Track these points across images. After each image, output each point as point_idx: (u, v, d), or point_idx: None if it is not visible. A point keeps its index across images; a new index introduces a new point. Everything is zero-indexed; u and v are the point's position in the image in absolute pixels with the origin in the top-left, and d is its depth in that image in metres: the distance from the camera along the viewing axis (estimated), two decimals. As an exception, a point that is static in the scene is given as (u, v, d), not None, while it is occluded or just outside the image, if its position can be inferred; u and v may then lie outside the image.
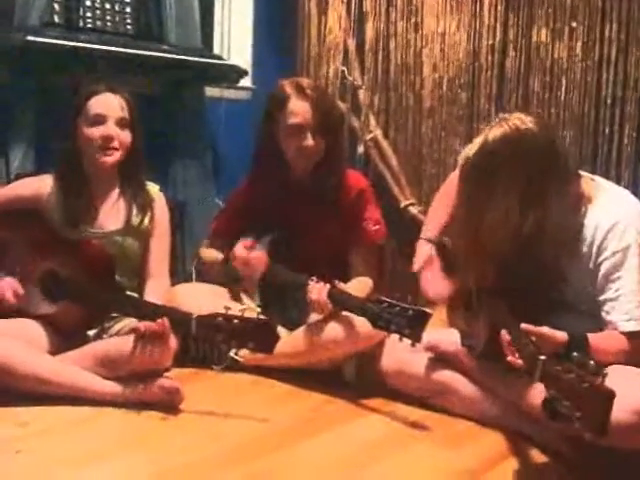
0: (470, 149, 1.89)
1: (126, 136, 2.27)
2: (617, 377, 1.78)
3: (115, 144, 2.25)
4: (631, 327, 1.86)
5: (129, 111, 2.28)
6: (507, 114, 1.92)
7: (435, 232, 2.33)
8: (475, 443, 1.94)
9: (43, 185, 2.31)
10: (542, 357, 1.56)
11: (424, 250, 2.31)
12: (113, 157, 2.26)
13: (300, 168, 2.47)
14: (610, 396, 1.33)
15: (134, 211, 2.34)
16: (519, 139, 1.83)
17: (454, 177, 2.40)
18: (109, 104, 2.26)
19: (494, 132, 1.85)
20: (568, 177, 1.90)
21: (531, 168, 1.82)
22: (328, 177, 2.45)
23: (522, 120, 1.85)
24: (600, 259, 1.89)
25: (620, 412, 1.60)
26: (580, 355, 1.46)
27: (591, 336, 1.82)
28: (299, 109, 2.38)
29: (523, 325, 1.74)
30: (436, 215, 2.37)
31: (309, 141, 2.38)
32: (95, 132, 2.24)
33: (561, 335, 1.76)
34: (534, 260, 1.91)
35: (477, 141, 1.88)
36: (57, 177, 2.31)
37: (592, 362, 1.42)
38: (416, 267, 2.30)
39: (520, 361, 1.69)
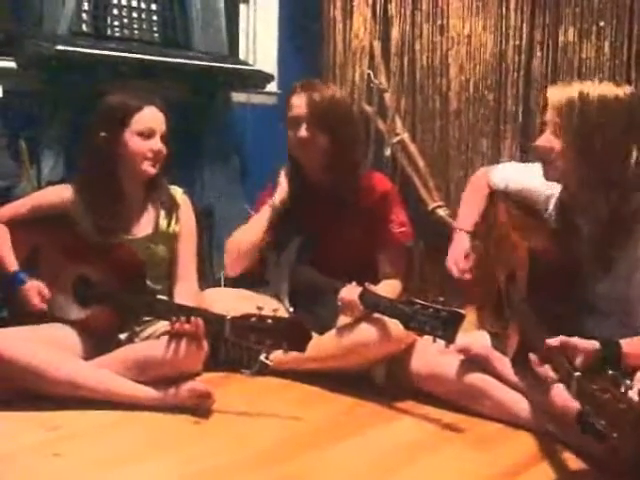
0: (566, 94, 1.91)
1: (165, 150, 2.31)
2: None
3: (161, 156, 2.30)
4: None
5: (167, 127, 2.32)
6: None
7: (469, 224, 2.33)
8: (507, 446, 1.93)
9: (67, 192, 2.32)
10: (577, 374, 1.55)
11: (463, 240, 2.32)
12: (156, 169, 2.30)
13: (305, 163, 2.49)
14: None
15: (161, 216, 2.36)
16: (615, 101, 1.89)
17: (481, 174, 2.41)
18: (157, 118, 2.30)
19: (590, 88, 1.89)
20: None
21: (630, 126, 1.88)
22: (342, 176, 2.46)
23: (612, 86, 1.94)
24: None
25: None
26: (616, 373, 1.45)
27: (624, 342, 1.80)
28: (296, 102, 2.44)
29: (555, 340, 1.72)
30: (468, 209, 2.37)
31: (303, 132, 2.41)
32: (145, 145, 2.26)
33: (591, 344, 1.74)
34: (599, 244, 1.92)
35: (572, 89, 1.91)
36: (87, 183, 2.31)
37: (628, 381, 1.41)
38: (454, 259, 2.30)
39: (551, 373, 1.68)
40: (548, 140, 1.94)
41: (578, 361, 1.68)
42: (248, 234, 2.53)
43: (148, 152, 2.27)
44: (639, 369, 1.81)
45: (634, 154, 1.87)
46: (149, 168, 2.28)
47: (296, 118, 2.44)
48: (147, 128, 2.26)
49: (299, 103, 2.43)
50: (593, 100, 1.88)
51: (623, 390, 1.39)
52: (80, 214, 2.28)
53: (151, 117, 2.29)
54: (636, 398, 1.35)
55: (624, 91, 1.91)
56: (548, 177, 2.01)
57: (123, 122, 2.26)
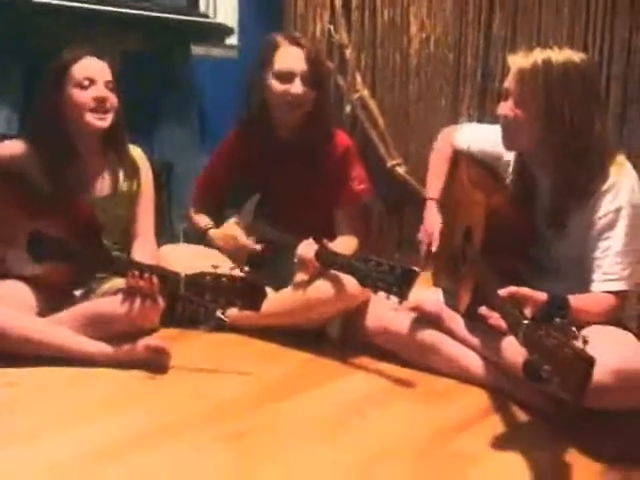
0: (528, 60, 1.91)
1: (115, 98, 2.26)
2: (596, 337, 1.82)
3: (108, 106, 2.24)
4: (615, 287, 1.89)
5: (113, 75, 2.26)
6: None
7: (438, 191, 2.36)
8: (457, 401, 1.97)
9: (19, 147, 2.27)
10: (525, 322, 1.58)
11: (433, 210, 2.34)
12: (106, 121, 2.24)
13: (286, 120, 2.44)
14: (590, 362, 1.35)
15: (121, 177, 2.33)
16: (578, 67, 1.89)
17: (445, 134, 2.42)
18: (97, 67, 2.24)
19: (553, 54, 1.89)
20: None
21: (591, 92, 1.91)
22: (317, 133, 2.45)
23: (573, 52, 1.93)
24: (593, 218, 1.91)
25: (598, 372, 1.63)
26: (562, 321, 1.49)
27: (572, 297, 1.85)
28: (290, 54, 2.38)
29: (505, 290, 1.76)
30: (435, 175, 2.39)
31: (297, 88, 2.37)
32: (85, 95, 2.21)
33: (541, 295, 1.79)
34: (535, 219, 1.95)
35: (534, 55, 1.90)
36: (38, 142, 2.26)
37: (574, 328, 1.45)
38: (426, 230, 2.33)
39: (503, 323, 1.72)
40: (511, 109, 1.94)
41: (527, 311, 1.72)
42: None
43: (90, 101, 2.21)
44: (588, 325, 1.87)
45: (596, 121, 1.89)
46: (94, 120, 2.22)
47: (289, 72, 2.37)
48: (85, 77, 2.21)
49: (295, 56, 2.37)
50: (556, 67, 1.87)
51: (569, 337, 1.42)
52: (32, 170, 2.24)
53: (89, 66, 2.23)
54: (581, 345, 1.39)
55: (581, 58, 1.91)
56: (509, 147, 2.02)
57: (62, 77, 2.21)
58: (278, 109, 2.43)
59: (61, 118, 2.23)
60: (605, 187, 1.91)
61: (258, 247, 2.41)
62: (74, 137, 2.27)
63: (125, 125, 2.33)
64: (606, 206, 1.90)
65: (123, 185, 2.34)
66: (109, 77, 2.25)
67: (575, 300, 1.85)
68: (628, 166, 1.96)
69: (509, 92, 1.95)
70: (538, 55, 1.90)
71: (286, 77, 2.38)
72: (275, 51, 2.40)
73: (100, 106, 2.22)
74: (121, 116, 2.30)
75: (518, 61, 1.93)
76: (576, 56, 1.91)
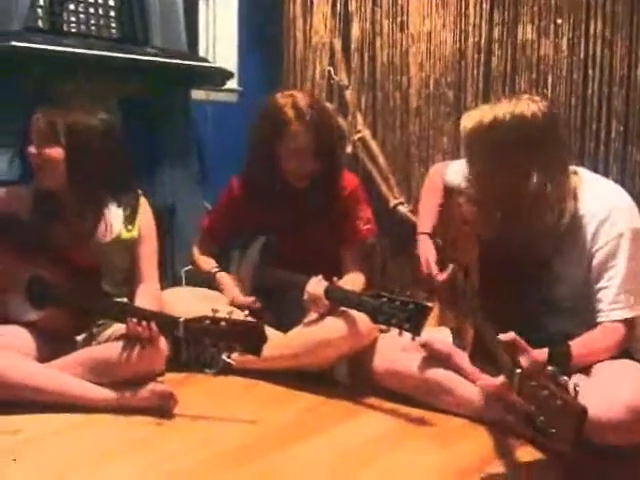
0: (471, 119, 1.90)
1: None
2: (606, 373, 1.80)
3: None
4: (623, 315, 1.86)
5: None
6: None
7: (430, 226, 2.36)
8: (469, 441, 1.94)
9: (20, 194, 2.27)
10: (518, 370, 1.57)
11: (427, 244, 2.36)
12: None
13: (297, 183, 2.47)
14: (582, 412, 1.35)
15: (120, 223, 2.32)
16: (525, 122, 1.85)
17: (435, 171, 2.44)
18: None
19: (503, 109, 1.86)
20: (566, 163, 1.94)
21: (535, 148, 1.85)
22: (324, 190, 2.47)
23: (529, 102, 1.87)
24: (593, 250, 1.89)
25: (611, 409, 1.61)
26: (553, 370, 1.48)
27: (576, 343, 1.82)
28: (300, 134, 2.36)
29: (504, 336, 1.73)
30: (427, 210, 2.39)
31: (309, 165, 2.40)
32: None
33: (540, 354, 1.75)
34: (529, 253, 1.92)
35: (480, 113, 1.89)
36: (38, 189, 2.25)
37: (565, 377, 1.45)
38: (426, 265, 2.33)
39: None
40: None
41: (522, 360, 1.69)
42: None
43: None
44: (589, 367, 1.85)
45: (534, 176, 1.84)
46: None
47: (300, 150, 2.38)
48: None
49: (303, 135, 2.36)
50: (495, 125, 1.85)
51: (560, 387, 1.42)
52: (34, 215, 2.23)
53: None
54: (572, 394, 1.39)
55: (539, 108, 1.87)
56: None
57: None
58: (287, 175, 2.44)
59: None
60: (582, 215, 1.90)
61: (253, 305, 2.40)
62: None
63: (128, 171, 2.33)
64: (603, 237, 1.88)
65: (123, 231, 2.32)
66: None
67: (578, 346, 1.82)
68: (598, 189, 1.94)
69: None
70: (480, 114, 1.89)
71: (298, 155, 2.38)
72: (286, 127, 2.37)
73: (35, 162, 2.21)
74: (122, 162, 2.29)
75: (464, 120, 1.94)
76: (532, 107, 1.86)
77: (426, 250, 2.35)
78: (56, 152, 2.20)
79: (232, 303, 2.42)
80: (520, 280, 1.94)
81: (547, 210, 1.89)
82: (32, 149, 2.22)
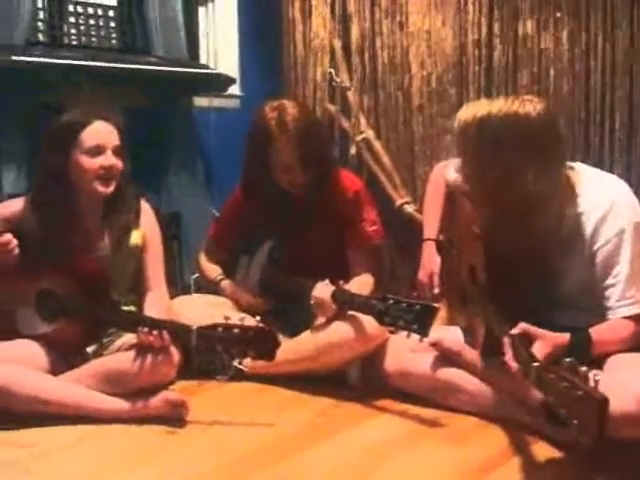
0: (465, 113, 1.89)
1: (120, 164, 2.24)
2: (617, 366, 1.79)
3: (114, 172, 2.22)
4: (632, 311, 1.86)
5: (121, 138, 2.25)
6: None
7: (435, 231, 2.35)
8: (483, 439, 1.93)
9: (20, 207, 2.27)
10: (535, 364, 1.56)
11: (432, 250, 2.35)
12: (111, 187, 2.23)
13: (292, 190, 2.46)
14: (603, 402, 1.33)
15: (123, 233, 2.31)
16: (517, 121, 1.84)
17: (436, 173, 2.43)
18: (106, 133, 2.22)
19: (497, 106, 1.85)
20: (564, 163, 1.93)
21: (528, 147, 1.84)
22: (321, 195, 2.46)
23: (525, 102, 1.86)
24: (595, 247, 1.89)
25: (623, 402, 1.60)
26: (571, 361, 1.46)
27: (594, 330, 1.82)
28: (286, 148, 2.34)
29: (517, 328, 1.73)
30: (431, 214, 2.38)
31: (299, 177, 2.39)
32: (94, 163, 2.19)
33: (561, 337, 1.76)
34: (531, 251, 1.91)
35: (475, 108, 1.89)
36: (40, 202, 2.24)
37: (584, 368, 1.43)
38: (426, 273, 2.32)
39: (514, 364, 1.69)
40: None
41: (538, 350, 1.68)
42: None
43: (98, 169, 2.19)
44: (607, 356, 1.84)
45: (528, 175, 1.84)
46: (101, 187, 2.21)
47: (287, 164, 2.36)
48: (95, 145, 2.19)
49: (290, 152, 2.34)
50: (486, 121, 1.84)
51: (580, 377, 1.40)
52: (31, 230, 2.21)
53: (98, 133, 2.21)
54: (592, 384, 1.37)
55: (535, 108, 1.85)
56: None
57: (70, 142, 2.20)
58: (281, 184, 2.43)
59: (66, 181, 2.22)
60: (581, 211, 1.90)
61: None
62: (77, 199, 2.26)
63: (132, 181, 2.33)
64: (604, 234, 1.88)
65: (127, 241, 2.32)
66: (117, 142, 2.23)
67: (596, 334, 1.82)
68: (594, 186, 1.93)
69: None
70: (475, 109, 1.88)
71: (286, 168, 2.37)
72: (272, 142, 2.35)
73: (107, 174, 2.21)
74: (127, 173, 2.29)
75: (459, 114, 1.92)
76: (528, 107, 1.84)
77: (430, 260, 2.34)
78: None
79: (247, 306, 2.42)
80: (524, 277, 1.94)
81: (544, 209, 1.89)
82: (106, 160, 2.20)
